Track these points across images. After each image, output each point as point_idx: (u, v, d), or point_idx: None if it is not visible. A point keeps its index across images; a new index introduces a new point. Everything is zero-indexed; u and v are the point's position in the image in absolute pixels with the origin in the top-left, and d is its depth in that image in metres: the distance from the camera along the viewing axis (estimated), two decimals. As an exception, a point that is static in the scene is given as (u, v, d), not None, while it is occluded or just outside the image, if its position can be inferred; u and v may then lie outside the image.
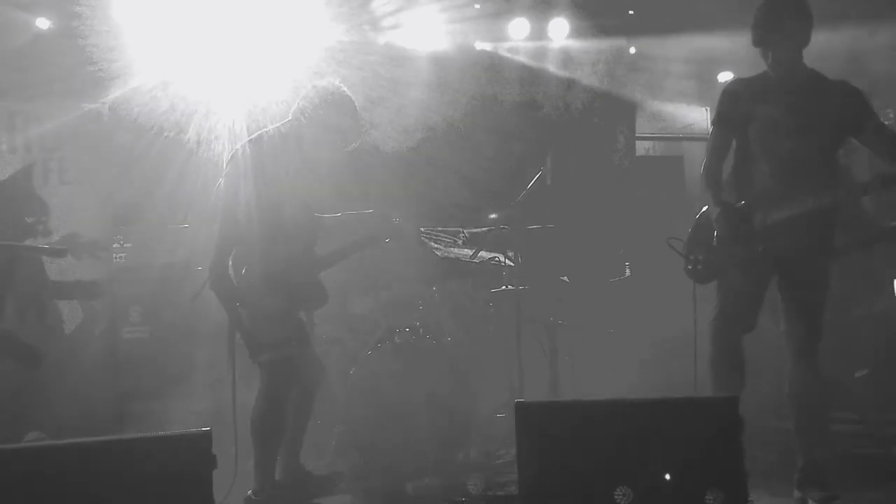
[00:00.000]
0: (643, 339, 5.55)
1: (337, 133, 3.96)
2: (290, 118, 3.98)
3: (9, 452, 2.94)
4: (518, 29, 6.76)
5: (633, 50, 7.17)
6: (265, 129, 3.96)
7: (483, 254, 5.55)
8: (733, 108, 3.94)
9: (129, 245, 5.38)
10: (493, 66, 6.99)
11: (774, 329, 3.95)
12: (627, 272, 6.20)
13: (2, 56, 5.44)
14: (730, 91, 4.01)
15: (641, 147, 8.15)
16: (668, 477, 3.10)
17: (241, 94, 5.39)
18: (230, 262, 3.82)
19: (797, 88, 3.80)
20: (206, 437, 2.99)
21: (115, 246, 5.35)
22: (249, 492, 3.83)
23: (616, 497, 3.05)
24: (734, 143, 3.98)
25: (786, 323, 3.89)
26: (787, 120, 3.77)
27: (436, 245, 5.81)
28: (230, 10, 5.62)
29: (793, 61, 3.80)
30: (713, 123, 4.06)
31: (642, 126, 8.03)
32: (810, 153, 3.75)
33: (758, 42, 3.82)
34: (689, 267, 4.06)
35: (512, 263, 5.48)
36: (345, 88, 4.00)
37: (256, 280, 3.75)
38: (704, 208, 4.05)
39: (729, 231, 3.86)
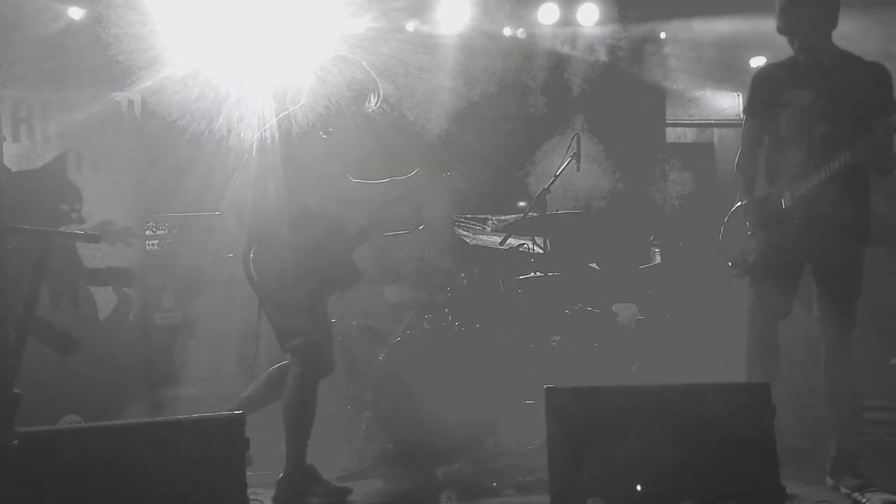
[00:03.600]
0: (675, 325, 5.52)
1: (355, 91, 3.98)
2: (308, 99, 4.00)
3: (46, 435, 2.99)
4: (547, 14, 6.72)
5: (663, 35, 7.09)
6: (288, 111, 3.98)
7: (512, 240, 5.53)
8: (764, 96, 3.91)
9: (161, 232, 5.45)
10: (522, 53, 6.96)
11: (808, 316, 3.91)
12: (658, 259, 6.16)
13: (35, 46, 5.50)
14: (759, 78, 3.97)
15: (672, 133, 8.08)
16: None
17: (271, 81, 5.41)
18: (251, 257, 3.84)
19: (828, 71, 3.75)
20: (239, 420, 3.03)
21: (147, 233, 5.41)
22: (281, 476, 3.87)
23: None
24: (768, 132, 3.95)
25: (819, 310, 3.85)
26: (819, 103, 3.73)
27: (465, 232, 5.81)
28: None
29: (821, 45, 3.75)
30: (744, 113, 4.02)
31: (673, 112, 7.96)
32: (844, 136, 3.69)
33: (783, 29, 3.78)
34: (729, 263, 4.04)
35: (541, 250, 5.46)
36: (350, 56, 4.07)
37: (283, 272, 3.77)
38: (738, 203, 4.03)
39: (761, 218, 3.83)
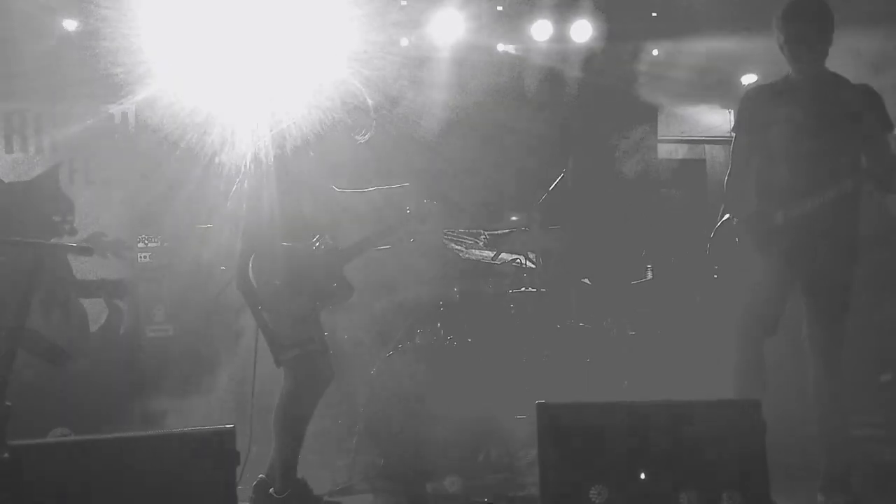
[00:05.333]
0: (665, 341, 5.52)
1: (347, 128, 4.00)
2: (302, 115, 4.02)
3: (35, 448, 2.98)
4: (540, 31, 6.75)
5: (655, 52, 7.13)
6: (283, 127, 3.99)
7: (504, 255, 5.54)
8: (754, 114, 3.94)
9: (153, 245, 5.43)
10: (516, 68, 6.99)
11: (798, 333, 3.92)
12: (649, 275, 6.17)
13: (29, 58, 5.50)
14: (749, 97, 4.01)
15: (664, 150, 8.12)
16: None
17: (265, 95, 5.41)
18: (250, 265, 3.85)
19: (818, 91, 3.79)
20: (231, 433, 3.02)
21: (139, 245, 5.39)
22: (271, 490, 3.85)
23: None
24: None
25: (808, 327, 3.87)
26: (808, 122, 3.76)
27: (457, 246, 5.81)
28: (254, 12, 5.65)
29: (815, 65, 3.79)
30: (736, 130, 4.05)
31: (665, 129, 7.99)
32: (831, 154, 3.73)
33: (784, 48, 3.82)
34: (715, 276, 4.05)
35: (533, 265, 5.47)
36: (353, 81, 4.06)
37: (281, 280, 3.78)
38: (725, 217, 4.04)
39: (752, 235, 3.85)
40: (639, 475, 3.12)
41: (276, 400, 3.91)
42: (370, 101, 4.10)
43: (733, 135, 4.08)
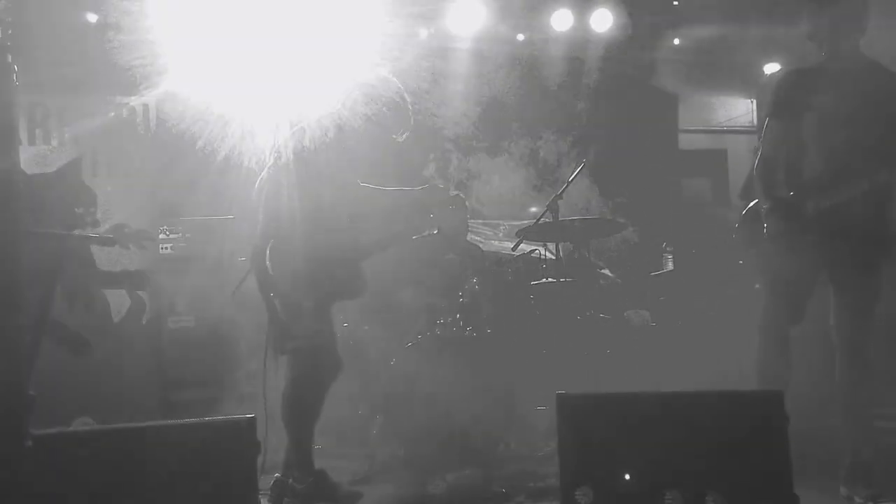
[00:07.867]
0: (686, 332, 5.49)
1: (378, 126, 3.98)
2: (333, 110, 4.01)
3: (59, 437, 3.01)
4: (561, 20, 6.72)
5: (677, 41, 7.08)
6: (307, 121, 3.99)
7: (523, 246, 5.53)
8: (787, 99, 3.87)
9: (174, 235, 5.46)
10: (536, 58, 6.96)
11: (823, 323, 3.88)
12: (670, 265, 6.14)
13: (51, 51, 5.53)
14: (786, 81, 3.94)
15: (685, 140, 8.06)
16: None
17: (285, 86, 5.41)
18: (268, 253, 3.86)
19: (855, 78, 3.72)
20: (251, 423, 3.02)
21: (161, 236, 5.43)
22: (290, 480, 3.86)
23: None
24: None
25: (835, 316, 3.82)
26: (843, 109, 3.69)
27: (477, 238, 5.81)
28: (274, 3, 5.66)
29: (850, 51, 3.73)
30: (769, 115, 3.98)
31: (686, 119, 7.94)
32: (866, 143, 3.67)
33: (812, 36, 3.76)
34: (740, 262, 4.01)
35: (552, 256, 5.45)
36: (393, 79, 4.03)
37: (297, 272, 3.79)
38: (752, 202, 3.99)
39: (780, 224, 3.80)
40: (643, 474, 3.10)
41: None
42: (409, 100, 4.07)
43: (766, 119, 4.00)
